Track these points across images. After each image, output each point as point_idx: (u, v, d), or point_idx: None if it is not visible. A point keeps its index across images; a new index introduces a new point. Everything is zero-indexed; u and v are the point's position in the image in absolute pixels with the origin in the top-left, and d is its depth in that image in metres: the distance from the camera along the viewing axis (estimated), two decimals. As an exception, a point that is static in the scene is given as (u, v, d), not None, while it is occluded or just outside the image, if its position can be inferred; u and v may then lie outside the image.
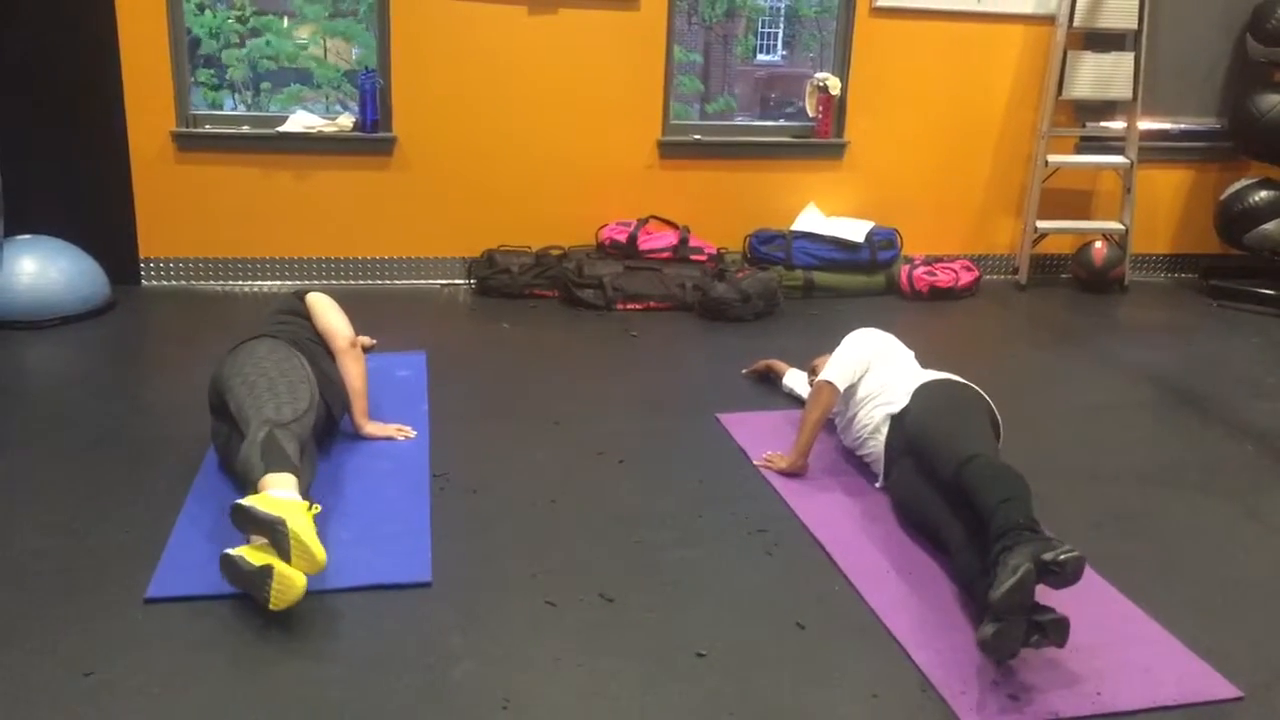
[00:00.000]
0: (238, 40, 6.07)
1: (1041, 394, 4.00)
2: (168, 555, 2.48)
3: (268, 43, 6.15)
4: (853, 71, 5.43)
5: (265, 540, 2.25)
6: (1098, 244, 5.69)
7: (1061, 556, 2.05)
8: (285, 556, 2.21)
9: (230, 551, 2.27)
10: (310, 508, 2.34)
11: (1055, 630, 2.10)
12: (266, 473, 2.39)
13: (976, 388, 2.89)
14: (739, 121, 6.46)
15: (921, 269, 5.40)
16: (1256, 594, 2.55)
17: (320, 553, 2.24)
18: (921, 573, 2.56)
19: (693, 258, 5.16)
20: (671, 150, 5.34)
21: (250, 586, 2.23)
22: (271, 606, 2.20)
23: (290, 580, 2.19)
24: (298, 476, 2.43)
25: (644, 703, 2.04)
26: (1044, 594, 2.13)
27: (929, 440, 2.65)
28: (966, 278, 5.44)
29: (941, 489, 2.55)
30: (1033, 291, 5.66)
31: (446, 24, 4.95)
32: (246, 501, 2.27)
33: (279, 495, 2.33)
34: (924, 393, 2.85)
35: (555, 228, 5.26)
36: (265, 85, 6.31)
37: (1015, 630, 2.07)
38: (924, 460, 2.65)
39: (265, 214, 5.01)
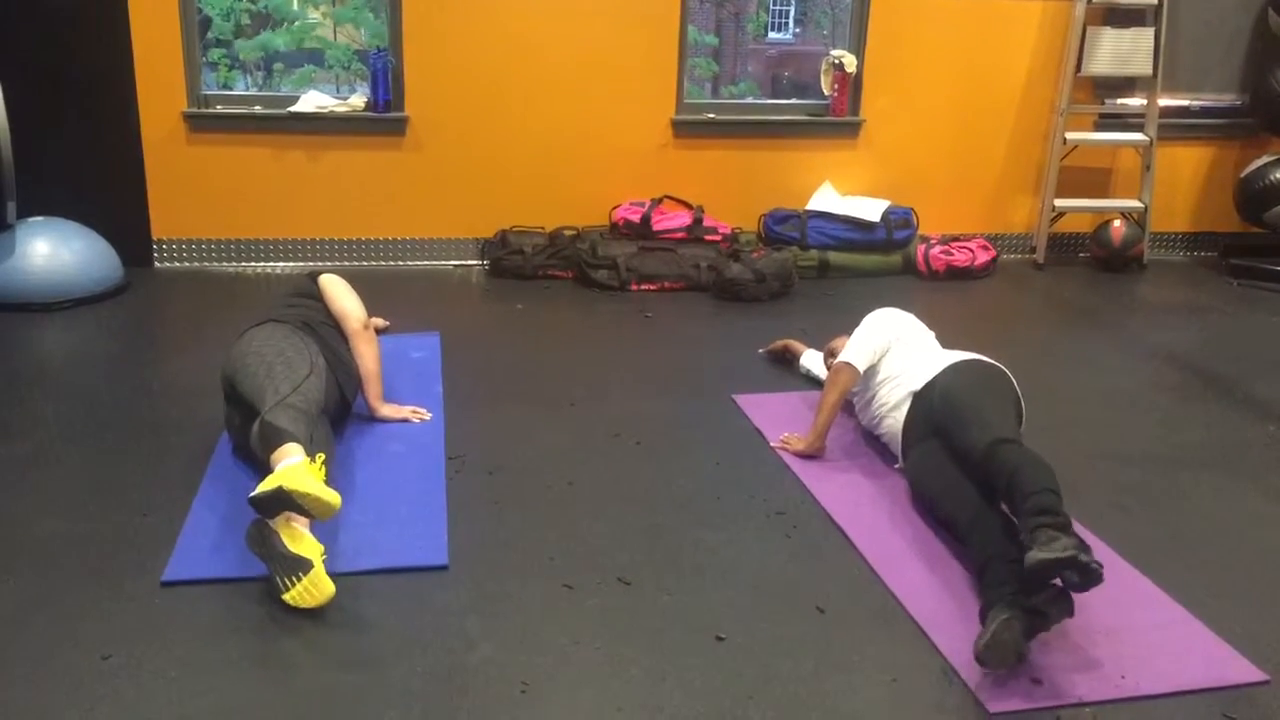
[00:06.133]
0: (249, 25, 6.05)
1: (1061, 374, 3.96)
2: (184, 538, 2.48)
3: (283, 28, 6.13)
4: (869, 48, 5.37)
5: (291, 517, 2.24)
6: (1116, 222, 5.64)
7: (1094, 565, 2.06)
8: (305, 513, 2.21)
9: (271, 523, 2.23)
10: (315, 459, 2.32)
11: (1058, 606, 2.11)
12: (268, 456, 2.37)
13: (1007, 372, 2.86)
14: (753, 100, 6.40)
15: (938, 248, 5.35)
16: (1281, 576, 2.53)
17: (331, 496, 2.21)
18: (942, 556, 2.54)
19: (707, 238, 5.13)
20: (685, 129, 5.30)
21: (277, 568, 2.20)
22: (286, 598, 2.17)
23: (321, 586, 2.17)
24: (298, 440, 2.38)
25: (663, 687, 2.03)
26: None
27: (960, 414, 2.61)
28: (983, 257, 5.39)
29: (961, 465, 2.53)
30: (1050, 270, 5.61)
31: (458, 2, 4.91)
32: (254, 493, 2.24)
33: (279, 468, 2.29)
34: (956, 369, 2.82)
35: (569, 208, 5.23)
36: (278, 66, 6.29)
37: (1010, 634, 2.04)
38: (949, 434, 2.62)
39: (277, 195, 5.00)
